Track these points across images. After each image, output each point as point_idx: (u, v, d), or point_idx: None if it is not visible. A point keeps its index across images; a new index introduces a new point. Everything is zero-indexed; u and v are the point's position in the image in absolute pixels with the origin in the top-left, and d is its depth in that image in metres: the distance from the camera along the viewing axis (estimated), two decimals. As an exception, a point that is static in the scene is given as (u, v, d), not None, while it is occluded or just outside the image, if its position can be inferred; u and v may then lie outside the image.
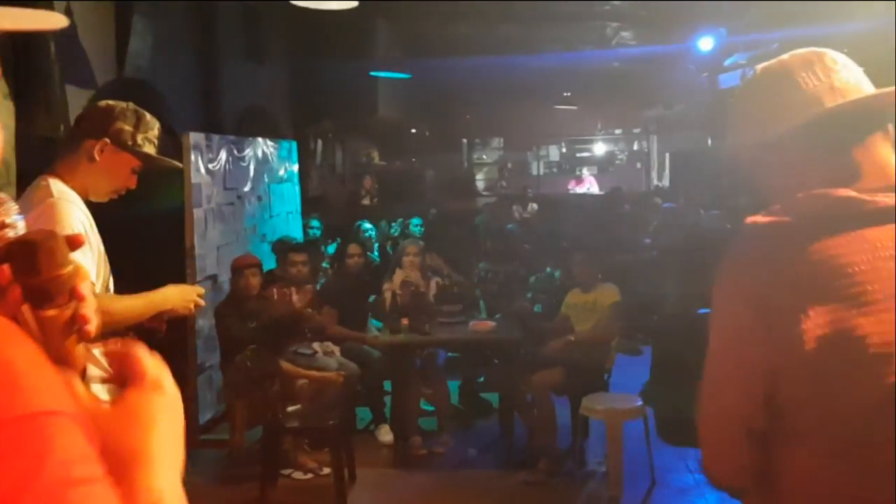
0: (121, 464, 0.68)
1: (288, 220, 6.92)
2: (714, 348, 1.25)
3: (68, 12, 4.98)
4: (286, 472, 4.62)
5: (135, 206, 3.41)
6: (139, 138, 2.24)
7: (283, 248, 5.63)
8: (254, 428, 4.73)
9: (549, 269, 6.53)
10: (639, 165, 18.07)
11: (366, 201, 9.48)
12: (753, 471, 1.22)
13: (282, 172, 6.82)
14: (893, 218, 1.15)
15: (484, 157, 18.63)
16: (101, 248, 2.21)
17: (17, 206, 0.82)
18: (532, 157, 18.70)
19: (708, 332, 1.28)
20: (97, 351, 2.20)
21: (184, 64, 6.93)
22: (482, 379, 5.80)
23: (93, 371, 2.25)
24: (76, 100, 4.79)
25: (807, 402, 1.14)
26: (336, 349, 5.19)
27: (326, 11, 6.39)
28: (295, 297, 5.22)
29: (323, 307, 5.35)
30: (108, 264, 2.23)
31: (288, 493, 4.47)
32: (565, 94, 15.64)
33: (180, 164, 2.39)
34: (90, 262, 2.08)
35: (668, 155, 15.55)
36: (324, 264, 6.53)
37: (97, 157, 2.20)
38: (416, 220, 7.09)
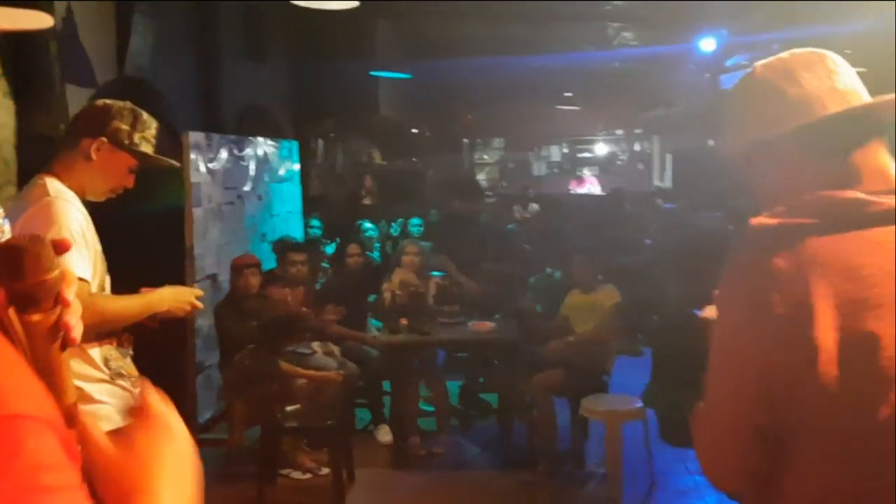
0: (123, 498, 0.67)
1: (288, 219, 6.92)
2: (719, 350, 1.23)
3: (69, 11, 4.99)
4: (285, 471, 4.62)
5: (135, 206, 3.41)
6: (136, 137, 2.23)
7: (283, 247, 5.62)
8: (252, 427, 4.73)
9: (548, 270, 6.52)
10: (640, 166, 18.07)
11: (366, 201, 9.47)
12: (755, 472, 1.21)
13: (282, 172, 6.81)
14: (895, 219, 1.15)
15: (485, 157, 18.63)
16: (98, 247, 2.20)
17: (1, 210, 0.82)
18: (533, 158, 18.71)
19: (710, 333, 1.26)
20: (95, 351, 2.19)
21: (184, 63, 6.93)
22: (481, 379, 5.80)
23: (87, 371, 2.24)
24: (76, 99, 4.79)
25: (816, 404, 1.13)
26: (335, 349, 5.18)
27: (327, 11, 6.38)
28: (294, 297, 5.22)
29: (325, 306, 5.34)
30: (104, 263, 2.23)
31: (286, 493, 4.46)
32: (567, 94, 15.64)
33: (177, 163, 2.39)
34: (86, 262, 2.08)
35: (669, 155, 15.55)
36: (324, 264, 6.52)
37: (94, 156, 2.20)
38: (415, 221, 7.09)
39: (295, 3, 5.96)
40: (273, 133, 7.21)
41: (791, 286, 1.13)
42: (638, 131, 18.13)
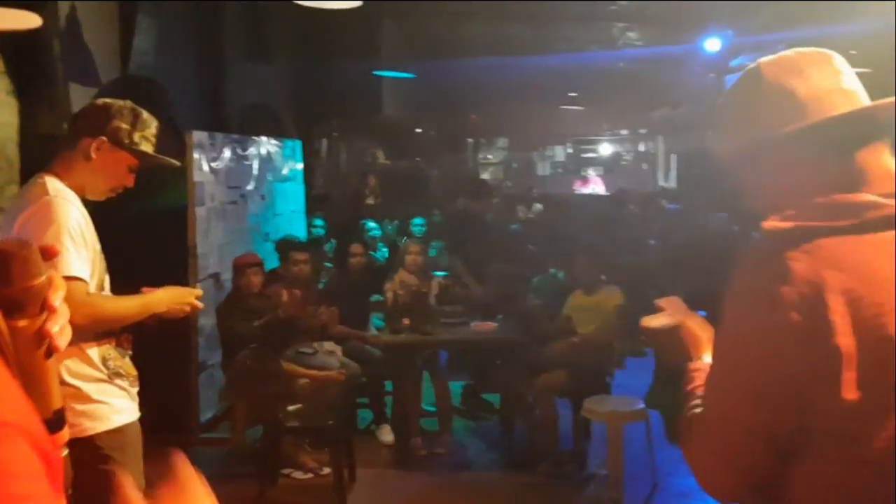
0: None
1: (291, 218, 6.92)
2: (729, 355, 1.21)
3: (72, 10, 5.00)
4: (286, 471, 4.61)
5: (138, 205, 3.41)
6: (136, 136, 2.23)
7: (285, 246, 5.62)
8: (254, 427, 4.73)
9: (552, 270, 6.51)
10: (645, 166, 18.06)
11: (370, 200, 9.45)
12: (758, 480, 1.19)
13: (286, 171, 6.81)
14: None
15: (489, 157, 18.63)
16: (98, 246, 2.20)
17: None
18: (538, 158, 18.72)
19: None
20: (93, 351, 2.19)
21: (188, 62, 6.93)
22: (484, 380, 5.79)
23: (85, 370, 2.23)
24: (80, 97, 4.79)
25: (831, 410, 1.11)
26: (337, 348, 5.18)
27: (331, 10, 6.38)
28: (297, 297, 5.21)
29: (322, 306, 5.33)
30: (104, 263, 2.23)
31: (288, 493, 4.46)
32: (571, 94, 15.62)
33: (177, 162, 2.39)
34: (85, 262, 2.08)
35: (674, 156, 15.53)
36: (326, 263, 6.52)
37: (94, 156, 2.19)
38: (417, 220, 7.07)
39: (298, 2, 5.95)
40: (277, 132, 7.21)
41: (808, 291, 1.11)
42: (643, 131, 18.11)
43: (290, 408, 4.54)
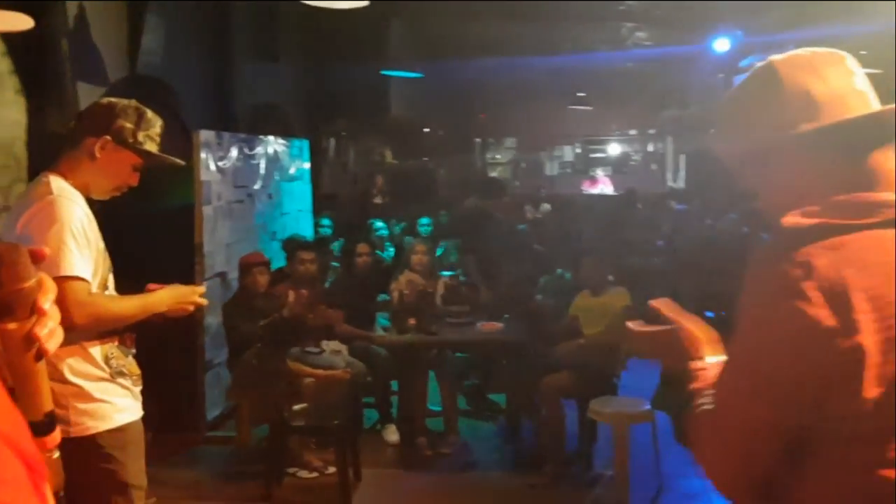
0: None
1: (298, 218, 6.93)
2: (745, 353, 1.20)
3: (81, 9, 5.02)
4: (292, 470, 4.62)
5: (145, 204, 3.42)
6: (140, 136, 2.23)
7: (292, 245, 5.63)
8: (260, 426, 4.74)
9: (559, 271, 6.49)
10: (654, 166, 17.99)
11: (377, 200, 9.46)
12: (766, 479, 1.18)
13: (293, 170, 6.83)
14: None
15: (497, 156, 18.58)
16: (101, 245, 2.21)
17: None
18: (546, 158, 18.66)
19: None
20: (96, 349, 2.19)
21: (196, 62, 6.95)
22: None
23: (87, 369, 2.23)
24: (88, 96, 4.80)
25: (848, 410, 1.10)
26: (343, 348, 5.18)
27: (339, 10, 6.38)
28: (303, 296, 5.21)
29: (333, 305, 5.33)
30: (107, 261, 2.23)
31: (293, 492, 4.46)
32: (580, 94, 15.58)
33: (182, 162, 2.39)
34: (87, 261, 2.08)
35: (683, 156, 15.47)
36: (333, 263, 6.52)
37: (98, 155, 2.20)
38: (424, 220, 7.07)
39: (307, 2, 5.96)
40: (284, 132, 7.22)
41: (830, 288, 1.10)
42: (652, 132, 18.04)
43: (296, 407, 4.55)
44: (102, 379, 2.14)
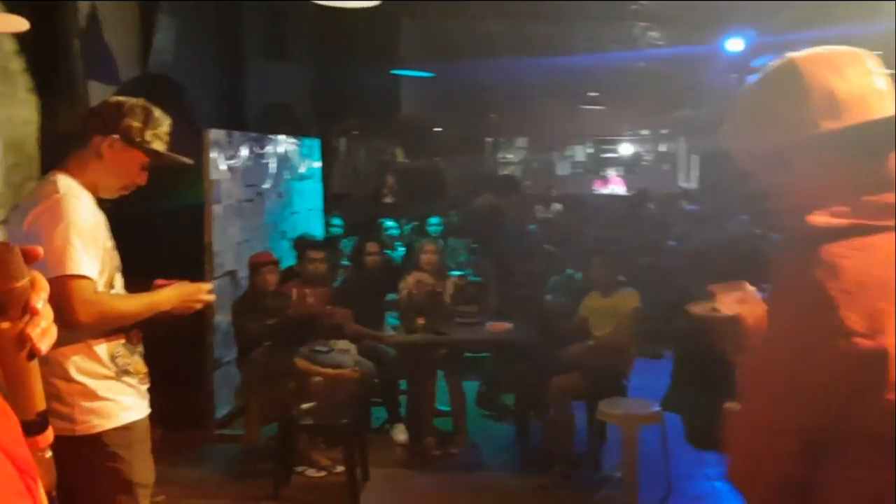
0: None
1: (309, 217, 6.95)
2: (772, 352, 1.18)
3: (93, 9, 5.04)
4: (300, 468, 4.62)
5: (155, 202, 3.44)
6: (148, 135, 2.24)
7: (302, 244, 5.64)
8: (269, 424, 4.75)
9: (569, 271, 6.47)
10: (666, 167, 17.90)
11: (388, 199, 9.48)
12: (791, 481, 1.17)
13: (303, 169, 6.84)
14: None
15: (509, 156, 18.54)
16: (109, 244, 2.21)
17: None
18: (557, 157, 18.62)
19: (766, 337, 1.19)
20: (101, 348, 2.19)
21: (207, 61, 6.97)
22: (499, 380, 5.77)
23: (93, 367, 2.23)
24: (100, 95, 4.83)
25: (877, 412, 1.09)
26: (352, 347, 5.18)
27: (350, 10, 6.39)
28: (312, 295, 5.22)
29: (342, 304, 5.34)
30: (115, 260, 2.24)
31: (301, 490, 4.46)
32: (592, 93, 15.53)
33: (189, 161, 2.39)
34: (93, 260, 2.08)
35: (695, 157, 15.39)
36: (343, 261, 6.53)
37: (106, 154, 2.20)
38: (434, 220, 7.07)
39: (317, 1, 5.96)
40: (295, 131, 7.24)
41: (857, 289, 1.09)
42: (664, 132, 17.96)
43: (305, 406, 4.55)
44: (108, 377, 2.15)
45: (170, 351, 2.97)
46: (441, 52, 10.98)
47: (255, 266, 4.93)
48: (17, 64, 4.33)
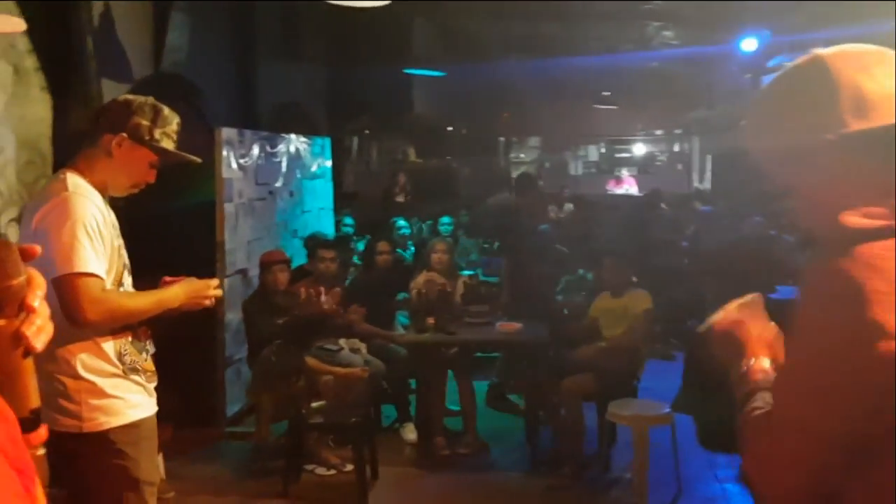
0: None
1: (320, 216, 6.96)
2: (807, 357, 1.16)
3: (107, 8, 5.07)
4: (309, 467, 4.63)
5: (167, 201, 3.45)
6: (157, 133, 2.24)
7: (313, 243, 5.65)
8: (279, 422, 4.76)
9: (581, 272, 6.45)
10: (679, 167, 17.80)
11: (400, 198, 9.47)
12: (819, 487, 1.15)
13: (314, 168, 6.85)
14: None
15: (521, 156, 18.49)
16: (118, 242, 2.22)
17: None
18: (570, 157, 18.56)
19: (800, 338, 1.18)
20: (109, 345, 2.19)
21: (220, 60, 7.00)
22: (510, 380, 5.75)
23: (100, 365, 2.24)
24: (113, 94, 4.84)
25: None
26: (363, 346, 5.19)
27: (363, 9, 6.39)
28: (323, 294, 5.23)
29: (353, 303, 5.34)
30: (123, 259, 2.24)
31: (310, 488, 4.47)
32: (605, 93, 15.47)
33: (199, 159, 2.39)
34: (100, 258, 2.09)
35: (709, 157, 15.28)
36: (354, 259, 6.54)
37: (115, 152, 2.21)
38: (445, 219, 7.06)
39: (330, 1, 5.97)
40: (307, 130, 7.26)
41: (893, 290, 1.07)
42: (678, 132, 17.86)
43: (315, 404, 4.56)
44: (115, 375, 2.15)
45: (181, 349, 2.98)
46: (453, 51, 10.98)
47: (266, 265, 4.94)
48: (30, 62, 4.36)
